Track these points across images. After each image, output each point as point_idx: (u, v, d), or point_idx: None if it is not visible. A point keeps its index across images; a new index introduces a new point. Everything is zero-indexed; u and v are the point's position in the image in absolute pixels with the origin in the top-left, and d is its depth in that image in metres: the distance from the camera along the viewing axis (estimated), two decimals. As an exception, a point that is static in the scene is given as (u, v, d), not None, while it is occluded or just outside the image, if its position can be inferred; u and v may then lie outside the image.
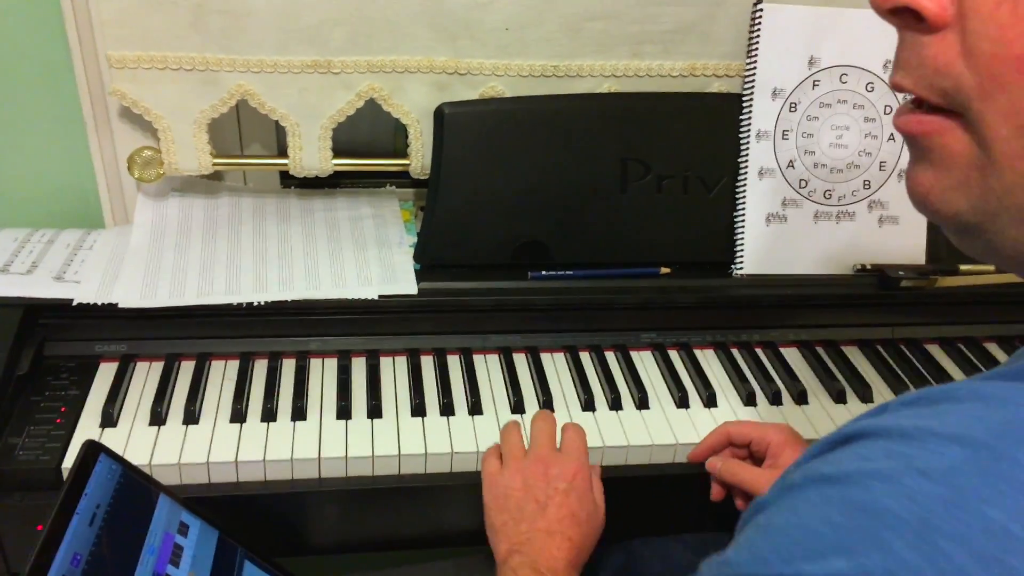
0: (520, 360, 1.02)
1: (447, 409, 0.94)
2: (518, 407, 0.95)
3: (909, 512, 0.40)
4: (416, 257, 1.03)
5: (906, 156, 1.05)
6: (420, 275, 1.01)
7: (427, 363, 1.00)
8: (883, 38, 1.02)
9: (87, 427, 0.88)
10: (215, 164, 1.03)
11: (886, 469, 0.42)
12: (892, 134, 1.06)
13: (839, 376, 1.03)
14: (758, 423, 0.91)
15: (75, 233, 1.05)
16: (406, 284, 0.99)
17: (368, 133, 1.18)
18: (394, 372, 0.99)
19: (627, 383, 1.00)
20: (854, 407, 0.99)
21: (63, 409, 0.89)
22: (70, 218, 1.13)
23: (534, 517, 0.78)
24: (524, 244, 1.03)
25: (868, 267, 1.07)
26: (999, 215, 0.47)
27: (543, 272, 1.03)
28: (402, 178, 1.17)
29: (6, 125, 1.07)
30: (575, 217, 1.03)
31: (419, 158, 1.06)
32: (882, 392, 1.02)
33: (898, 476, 0.41)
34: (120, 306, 0.92)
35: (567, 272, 1.04)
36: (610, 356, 1.04)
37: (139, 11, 0.92)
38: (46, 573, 0.65)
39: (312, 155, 1.04)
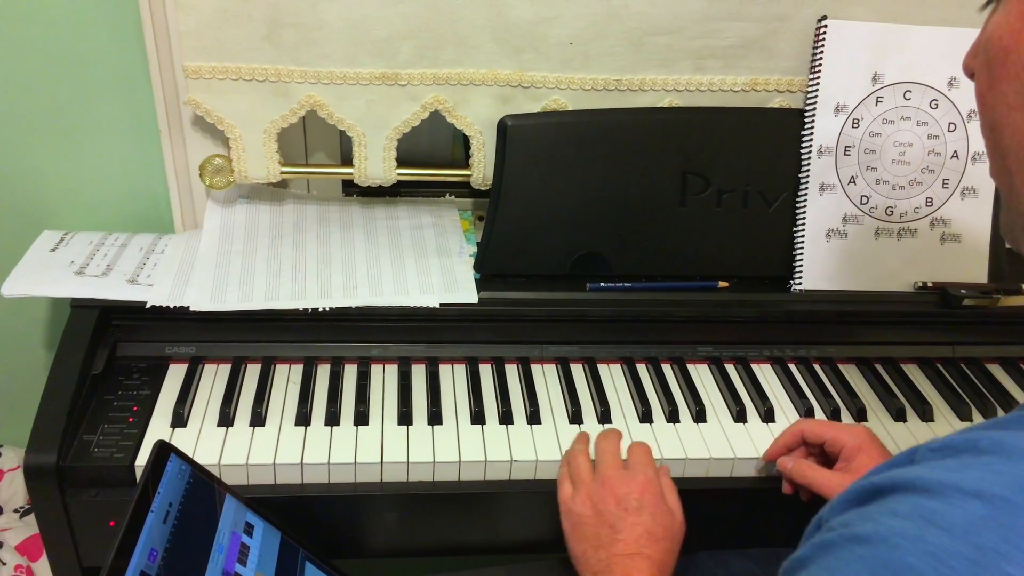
0: (577, 370, 1.03)
1: (506, 417, 0.95)
2: (576, 417, 0.96)
3: (934, 571, 0.42)
4: (476, 267, 1.04)
5: (969, 174, 1.05)
6: (480, 284, 1.02)
7: (486, 371, 1.02)
8: (948, 56, 1.03)
9: (158, 426, 0.91)
10: (283, 173, 1.06)
11: (913, 528, 0.44)
12: (956, 151, 1.05)
13: (898, 394, 1.02)
14: (834, 423, 0.90)
15: (147, 237, 1.08)
16: (466, 293, 1.00)
17: (428, 143, 1.20)
18: (453, 379, 1.00)
19: (684, 396, 1.00)
20: (914, 426, 0.99)
21: (135, 408, 0.92)
22: (142, 222, 1.17)
23: (610, 543, 0.78)
24: (583, 255, 1.04)
25: (929, 285, 1.07)
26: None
27: (601, 284, 1.04)
28: (461, 188, 1.18)
29: (84, 132, 1.11)
30: (634, 230, 1.04)
31: (481, 169, 1.07)
32: (942, 411, 1.01)
33: (922, 534, 0.44)
34: (191, 309, 0.95)
35: (625, 284, 1.04)
36: (667, 368, 1.04)
37: (216, 24, 0.95)
38: (126, 567, 0.68)
39: (377, 165, 1.06)
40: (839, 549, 0.47)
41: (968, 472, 0.45)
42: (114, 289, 0.97)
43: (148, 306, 0.95)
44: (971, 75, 0.59)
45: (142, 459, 0.86)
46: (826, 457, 0.89)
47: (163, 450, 0.79)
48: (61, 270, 0.99)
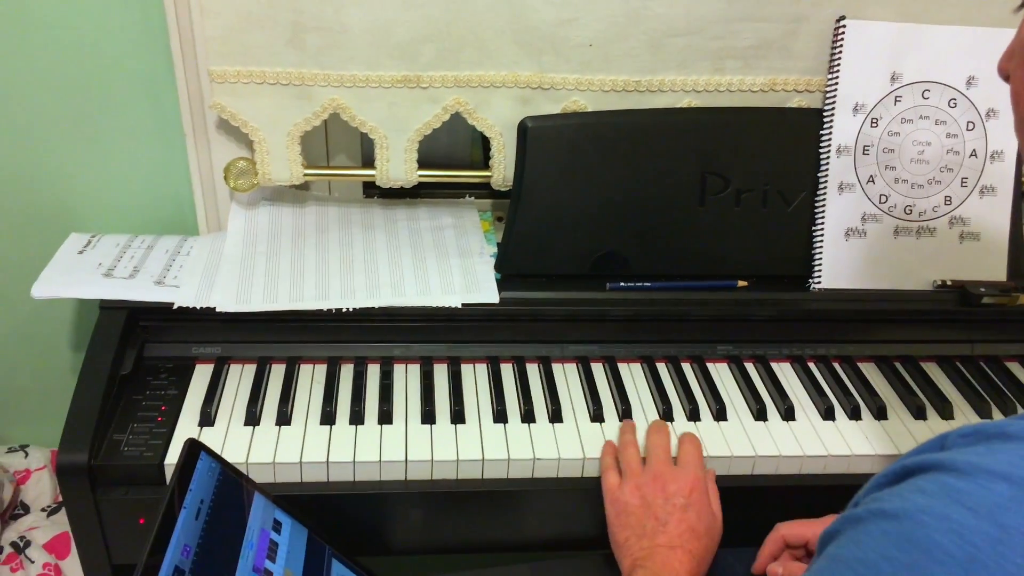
0: (598, 369, 1.04)
1: (528, 416, 0.96)
2: (597, 416, 0.97)
3: (958, 548, 0.43)
4: (497, 267, 1.05)
5: (988, 173, 1.05)
6: (500, 284, 1.03)
7: (507, 370, 1.03)
8: (966, 55, 1.03)
9: (186, 426, 0.92)
10: (306, 175, 1.07)
11: (939, 505, 0.46)
12: (974, 150, 1.05)
13: (918, 392, 1.03)
14: (811, 521, 0.87)
15: (172, 239, 1.10)
16: (488, 293, 1.01)
17: (447, 144, 1.21)
18: (475, 379, 1.01)
19: (704, 394, 1.01)
20: (934, 423, 0.99)
21: (163, 408, 0.94)
22: (167, 224, 1.19)
23: (655, 533, 0.81)
24: (602, 255, 1.05)
25: (948, 283, 1.07)
26: None
27: (621, 283, 1.05)
28: (480, 188, 1.19)
29: (111, 136, 1.13)
30: (653, 229, 1.05)
31: (501, 170, 1.08)
32: (962, 409, 1.02)
33: (949, 512, 0.45)
34: (217, 310, 0.96)
35: (645, 284, 1.05)
36: (687, 367, 1.05)
37: (241, 29, 0.97)
38: (160, 563, 0.69)
39: (398, 166, 1.07)
40: (867, 523, 0.49)
41: (997, 456, 0.46)
42: (142, 290, 0.98)
43: (175, 307, 0.97)
44: (1006, 77, 0.60)
45: (171, 458, 0.88)
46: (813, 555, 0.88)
47: (194, 447, 0.80)
48: (89, 272, 1.01)
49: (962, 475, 0.46)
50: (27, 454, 1.33)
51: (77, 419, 0.88)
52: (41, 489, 1.30)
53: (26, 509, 1.28)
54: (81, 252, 1.05)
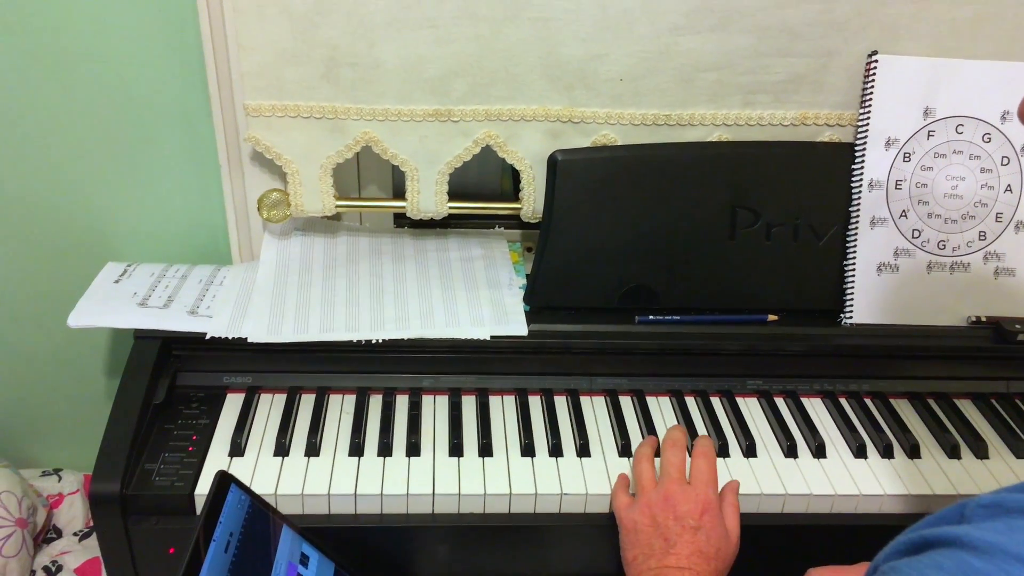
0: (626, 403, 1.04)
1: (556, 450, 0.96)
2: (625, 450, 0.96)
3: None
4: (526, 299, 1.06)
5: (1023, 208, 1.04)
6: (529, 317, 1.03)
7: (535, 403, 1.03)
8: (1001, 89, 1.02)
9: (217, 456, 0.93)
10: (337, 206, 1.08)
11: None
12: (1009, 185, 1.04)
13: (952, 430, 1.01)
14: (843, 568, 0.85)
15: (206, 269, 1.11)
16: (517, 326, 1.02)
17: (477, 175, 1.22)
18: (503, 411, 1.01)
19: (734, 430, 1.00)
20: (969, 464, 0.97)
21: (194, 438, 0.95)
22: (200, 254, 1.20)
23: (663, 554, 0.81)
24: (632, 288, 1.05)
25: (983, 319, 1.06)
26: None
27: (650, 316, 1.05)
28: (510, 219, 1.20)
29: (148, 167, 1.15)
30: (683, 263, 1.05)
31: (531, 203, 1.09)
32: (997, 449, 1.00)
33: None
34: (249, 340, 0.97)
35: (674, 317, 1.05)
36: (716, 402, 1.05)
37: (276, 65, 0.98)
38: (189, 596, 0.69)
39: (429, 198, 1.08)
40: None
41: (1016, 536, 0.46)
42: (175, 320, 0.99)
43: (208, 337, 0.98)
44: None
45: (201, 488, 0.89)
46: None
47: (224, 480, 0.81)
48: (124, 301, 1.02)
49: (980, 553, 0.46)
50: (60, 478, 1.35)
51: (110, 448, 0.89)
52: (74, 513, 1.31)
53: (59, 533, 1.30)
54: (117, 281, 1.07)
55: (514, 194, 1.13)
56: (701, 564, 0.80)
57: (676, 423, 1.01)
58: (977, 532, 0.48)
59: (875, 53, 1.01)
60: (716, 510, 0.85)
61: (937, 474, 0.95)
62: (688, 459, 0.90)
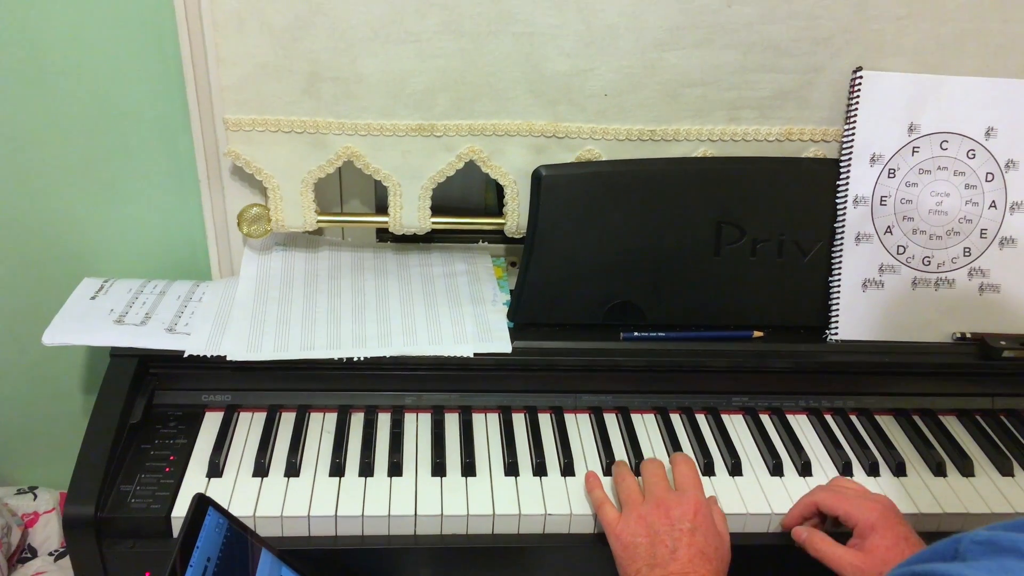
0: (611, 420, 1.03)
1: (540, 469, 0.94)
2: (610, 469, 0.95)
3: None
4: (510, 316, 1.05)
5: (1008, 225, 1.04)
6: (513, 333, 1.02)
7: (519, 420, 1.02)
8: (985, 106, 1.02)
9: (195, 477, 0.91)
10: (319, 221, 1.07)
11: None
12: (993, 201, 1.04)
13: (937, 447, 1.01)
14: (848, 498, 0.87)
15: (185, 285, 1.09)
16: (500, 343, 1.01)
17: (460, 189, 1.21)
18: (487, 429, 1.00)
19: (719, 448, 0.99)
20: (954, 481, 0.97)
21: (172, 458, 0.93)
22: (180, 269, 1.19)
23: (666, 561, 0.80)
24: (616, 305, 1.04)
25: (968, 336, 1.05)
26: None
27: (635, 333, 1.04)
28: (494, 234, 1.19)
29: (126, 181, 1.13)
30: (668, 279, 1.04)
31: (515, 218, 1.08)
32: (983, 466, 1.00)
33: None
34: (228, 358, 0.96)
35: (659, 333, 1.04)
36: (701, 419, 1.04)
37: (257, 79, 0.97)
38: (164, 625, 0.68)
39: (411, 214, 1.07)
40: None
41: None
42: (152, 338, 0.98)
43: (186, 355, 0.96)
44: None
45: (178, 510, 0.87)
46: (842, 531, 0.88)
47: (201, 503, 0.80)
48: (101, 319, 1.00)
49: None
50: (36, 496, 1.32)
51: (84, 470, 0.87)
52: (49, 532, 1.29)
53: (34, 553, 1.27)
54: (93, 297, 1.05)
55: (498, 209, 1.12)
56: (704, 566, 0.80)
57: (661, 440, 1.00)
58: (969, 571, 0.47)
59: (860, 69, 1.01)
60: (707, 510, 0.85)
61: (923, 493, 0.95)
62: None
